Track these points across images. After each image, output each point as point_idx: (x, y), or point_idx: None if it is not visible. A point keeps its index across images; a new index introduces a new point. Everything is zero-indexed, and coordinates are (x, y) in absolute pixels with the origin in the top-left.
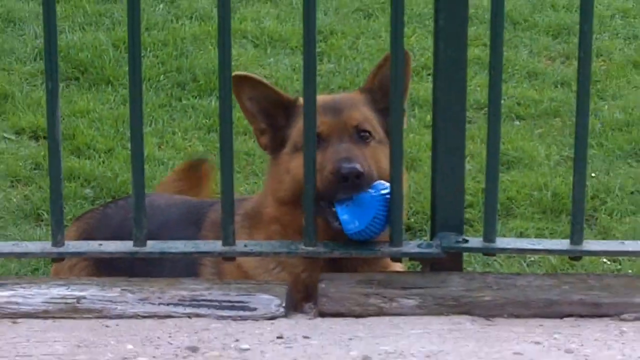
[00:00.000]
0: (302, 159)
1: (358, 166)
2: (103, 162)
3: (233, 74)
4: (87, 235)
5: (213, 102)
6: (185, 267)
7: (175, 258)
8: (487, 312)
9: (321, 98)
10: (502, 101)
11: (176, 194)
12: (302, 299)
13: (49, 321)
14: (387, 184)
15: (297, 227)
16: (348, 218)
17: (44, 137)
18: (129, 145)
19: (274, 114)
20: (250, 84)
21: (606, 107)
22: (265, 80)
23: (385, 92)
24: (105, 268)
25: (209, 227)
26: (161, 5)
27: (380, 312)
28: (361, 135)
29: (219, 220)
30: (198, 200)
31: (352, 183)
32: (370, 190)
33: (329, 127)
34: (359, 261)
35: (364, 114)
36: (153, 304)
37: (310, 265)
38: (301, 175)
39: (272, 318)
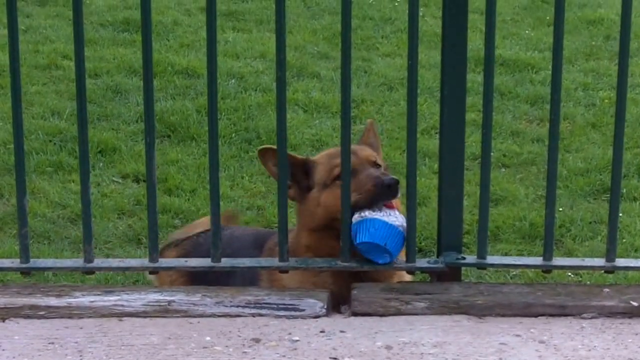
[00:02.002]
0: (331, 193)
1: (395, 177)
2: (188, 199)
3: (258, 148)
4: (183, 256)
5: None
6: (249, 280)
7: (243, 272)
8: (480, 312)
9: (333, 149)
10: (492, 153)
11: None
12: (333, 305)
13: (147, 319)
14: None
15: (326, 251)
16: (381, 261)
17: (144, 180)
18: (208, 186)
19: (294, 171)
20: (272, 153)
21: (571, 158)
22: None
23: (372, 147)
24: (196, 280)
25: (266, 251)
26: (233, 80)
27: (398, 312)
28: (375, 165)
29: (271, 246)
30: (265, 231)
31: (393, 189)
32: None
33: (353, 162)
34: (376, 274)
35: (372, 153)
36: (226, 306)
37: (336, 281)
38: (331, 205)
39: (317, 317)
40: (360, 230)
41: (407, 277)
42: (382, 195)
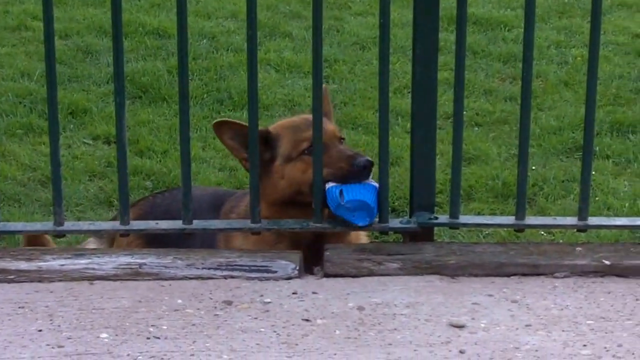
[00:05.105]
0: (296, 166)
1: (370, 158)
2: (160, 161)
3: (213, 121)
4: (140, 218)
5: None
6: (207, 243)
7: (201, 235)
8: (452, 272)
9: (294, 119)
10: (464, 112)
11: None
12: (305, 266)
13: (118, 282)
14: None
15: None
16: (361, 223)
17: (114, 142)
18: (179, 147)
19: None
20: (228, 126)
21: (543, 116)
22: (239, 121)
23: (326, 115)
24: (153, 243)
25: (222, 215)
26: (205, 40)
27: (371, 273)
28: (342, 141)
29: (227, 211)
30: (222, 192)
31: (367, 172)
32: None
33: (324, 138)
34: (333, 236)
35: (337, 127)
36: (198, 268)
37: (291, 246)
38: (296, 178)
39: (289, 278)
40: (348, 190)
41: (365, 239)
42: (355, 175)
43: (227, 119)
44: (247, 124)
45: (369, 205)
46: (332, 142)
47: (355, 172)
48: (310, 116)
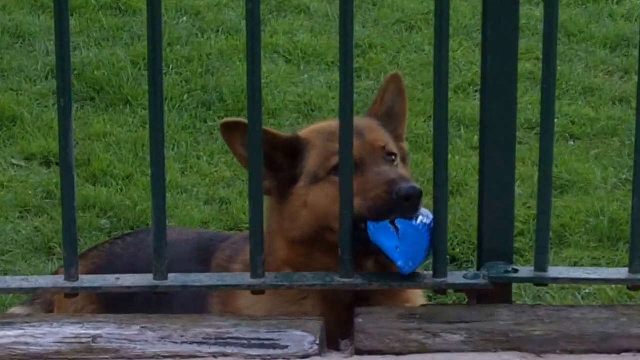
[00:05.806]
0: (324, 188)
1: (418, 186)
2: (121, 189)
3: (222, 121)
4: (93, 273)
5: None
6: (193, 309)
7: (184, 297)
8: (539, 347)
9: (331, 124)
10: (556, 120)
11: None
12: (329, 338)
13: None
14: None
15: (313, 269)
16: (403, 263)
17: (56, 163)
18: (149, 171)
19: (273, 155)
20: (242, 129)
21: None
22: None
23: (392, 117)
24: (113, 309)
25: (214, 269)
26: (185, 18)
27: (423, 349)
28: (389, 157)
29: (221, 263)
30: (210, 235)
31: (413, 203)
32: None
33: (358, 150)
34: (378, 293)
35: (386, 137)
36: (175, 342)
37: (327, 310)
38: (323, 206)
39: (305, 357)
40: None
41: (422, 300)
42: (396, 208)
43: (238, 119)
44: (267, 127)
45: (416, 243)
46: (371, 159)
47: (395, 205)
48: (358, 118)
